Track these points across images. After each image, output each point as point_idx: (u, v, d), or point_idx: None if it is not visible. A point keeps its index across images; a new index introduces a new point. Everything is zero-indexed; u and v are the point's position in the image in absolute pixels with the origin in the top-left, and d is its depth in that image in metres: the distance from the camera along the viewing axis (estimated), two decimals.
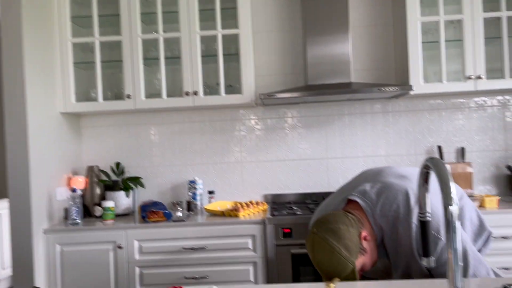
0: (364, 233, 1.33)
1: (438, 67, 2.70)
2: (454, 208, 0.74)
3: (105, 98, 2.78)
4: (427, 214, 0.90)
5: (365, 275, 1.55)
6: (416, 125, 2.87)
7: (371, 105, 2.89)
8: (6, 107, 2.32)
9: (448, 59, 2.77)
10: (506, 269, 2.29)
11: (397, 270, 1.38)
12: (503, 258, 2.30)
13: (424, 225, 0.92)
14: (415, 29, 2.54)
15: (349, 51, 2.64)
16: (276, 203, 2.85)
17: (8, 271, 4.34)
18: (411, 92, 2.53)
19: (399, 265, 1.36)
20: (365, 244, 1.32)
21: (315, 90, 2.50)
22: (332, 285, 0.72)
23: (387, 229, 1.36)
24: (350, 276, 1.25)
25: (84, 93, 2.86)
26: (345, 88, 2.48)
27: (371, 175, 1.52)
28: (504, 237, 2.29)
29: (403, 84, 2.68)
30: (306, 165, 2.91)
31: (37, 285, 2.34)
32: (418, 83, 2.54)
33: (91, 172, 2.72)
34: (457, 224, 0.75)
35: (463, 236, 1.31)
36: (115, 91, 2.88)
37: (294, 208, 2.57)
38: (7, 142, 2.32)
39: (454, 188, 0.75)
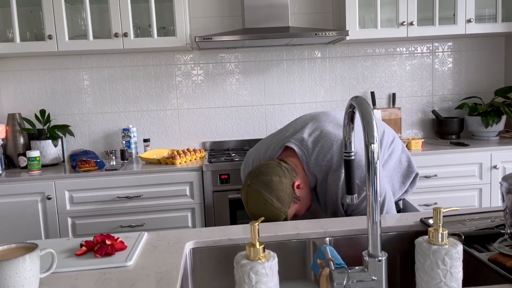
0: (297, 182, 1.35)
1: (373, 14, 2.72)
2: (375, 147, 0.75)
3: (23, 39, 2.52)
4: (351, 153, 0.91)
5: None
6: (352, 71, 2.92)
7: (309, 51, 2.88)
8: None
9: (383, 6, 2.79)
10: (427, 205, 2.49)
11: (325, 215, 1.44)
12: (425, 195, 2.49)
13: (348, 163, 0.94)
14: None
15: None
16: (215, 150, 2.83)
17: None
18: (347, 38, 2.54)
19: (326, 211, 1.42)
20: (298, 192, 1.35)
21: (253, 34, 2.44)
22: (256, 224, 0.72)
23: (319, 177, 1.40)
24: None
25: (0, 33, 2.58)
26: (283, 32, 2.44)
27: (310, 120, 1.52)
28: (427, 177, 2.46)
29: (340, 29, 2.68)
30: (245, 111, 2.89)
31: None
32: (354, 29, 2.55)
33: (13, 120, 2.51)
34: (378, 163, 0.77)
35: (382, 178, 1.38)
36: (34, 32, 2.62)
37: (232, 154, 2.57)
38: None
39: (375, 126, 0.75)
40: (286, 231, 1.16)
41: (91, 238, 1.16)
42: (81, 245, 1.07)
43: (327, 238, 1.15)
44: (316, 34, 2.41)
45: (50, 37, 2.39)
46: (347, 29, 2.55)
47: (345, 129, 0.88)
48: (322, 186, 1.40)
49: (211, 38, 2.41)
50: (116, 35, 2.43)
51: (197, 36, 2.47)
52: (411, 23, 2.56)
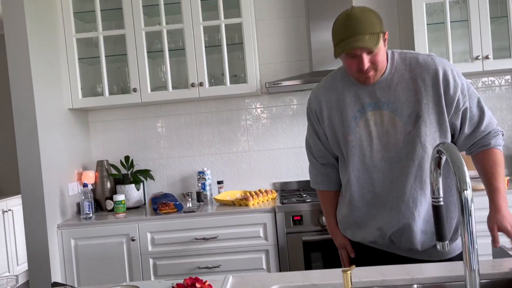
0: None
1: (444, 48, 2.67)
2: (468, 193, 0.74)
3: (111, 92, 2.79)
4: (440, 199, 0.90)
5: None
6: None
7: None
8: (14, 105, 2.34)
9: (455, 40, 2.73)
10: None
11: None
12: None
13: (436, 209, 0.93)
14: (420, 10, 2.51)
15: None
16: (285, 190, 2.86)
17: (23, 267, 4.41)
18: None
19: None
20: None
21: (320, 77, 2.49)
22: (348, 272, 0.73)
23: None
24: (371, 39, 1.27)
25: (91, 88, 2.87)
26: None
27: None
28: None
29: None
30: None
31: (54, 280, 2.38)
32: None
33: (101, 166, 2.74)
34: (472, 208, 0.75)
35: None
36: (121, 85, 2.88)
37: (304, 195, 2.58)
38: (17, 140, 2.34)
39: (467, 172, 0.75)
40: (371, 277, 1.14)
41: (177, 280, 1.22)
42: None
43: (415, 286, 1.12)
44: None
45: (134, 90, 2.62)
46: None
47: (432, 174, 0.88)
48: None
49: (281, 83, 2.50)
50: (192, 85, 2.61)
51: (267, 82, 2.58)
52: (487, 57, 2.48)
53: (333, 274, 1.18)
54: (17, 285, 1.08)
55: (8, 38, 2.33)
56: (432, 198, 0.91)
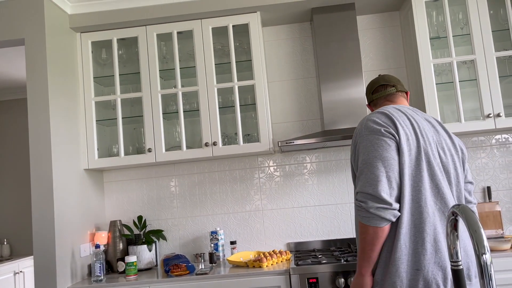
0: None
1: (454, 106, 2.70)
2: (487, 257, 0.72)
3: (127, 152, 2.84)
4: (459, 262, 0.87)
5: None
6: None
7: None
8: (32, 166, 2.39)
9: (465, 98, 2.77)
10: None
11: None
12: None
13: (456, 273, 0.89)
14: (428, 71, 2.57)
15: (364, 95, 2.67)
16: (300, 251, 2.79)
17: None
18: None
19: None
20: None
21: (332, 135, 2.52)
22: None
23: None
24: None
25: (107, 149, 2.94)
26: None
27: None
28: None
29: None
30: (329, 210, 2.87)
31: None
32: None
33: (114, 226, 2.73)
34: (492, 271, 0.73)
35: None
36: (136, 146, 2.95)
37: (319, 256, 2.51)
38: (33, 201, 2.37)
39: (484, 235, 0.73)
40: None
41: None
42: None
43: None
44: None
45: (149, 150, 2.67)
46: None
47: (449, 237, 0.86)
48: None
49: (293, 142, 2.53)
50: (206, 144, 2.65)
51: (279, 140, 2.61)
52: (498, 115, 2.49)
53: None
54: None
55: (30, 101, 2.43)
56: (451, 262, 0.88)
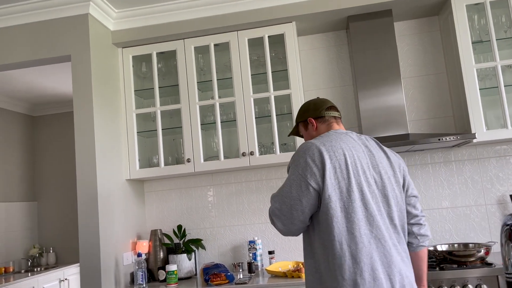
0: (312, 121, 1.74)
1: (499, 111, 2.60)
2: None
3: (166, 163, 2.91)
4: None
5: None
6: (483, 174, 2.72)
7: (431, 155, 2.80)
8: (78, 177, 2.49)
9: (510, 103, 2.66)
10: None
11: None
12: None
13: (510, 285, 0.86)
14: (471, 76, 2.49)
15: (403, 102, 2.62)
16: None
17: None
18: (474, 140, 2.43)
19: None
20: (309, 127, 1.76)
21: None
22: None
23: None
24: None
25: (147, 160, 3.02)
26: (402, 140, 2.44)
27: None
28: None
29: (465, 132, 2.59)
30: None
31: None
32: (481, 131, 2.45)
33: (155, 235, 2.79)
34: None
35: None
36: (175, 156, 3.01)
37: None
38: (79, 210, 2.46)
39: None
40: None
41: None
42: None
43: None
44: (439, 140, 2.36)
45: (188, 160, 2.72)
46: (472, 131, 2.46)
47: (503, 248, 0.82)
48: None
49: None
50: (243, 154, 2.67)
51: None
52: None
53: None
54: None
55: (76, 114, 2.55)
56: (506, 274, 0.84)
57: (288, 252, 2.88)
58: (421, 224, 1.62)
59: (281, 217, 1.51)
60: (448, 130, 2.79)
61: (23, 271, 4.31)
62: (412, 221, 1.61)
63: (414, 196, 1.62)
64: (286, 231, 1.53)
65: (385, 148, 1.63)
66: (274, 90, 2.76)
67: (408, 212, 1.60)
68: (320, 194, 1.46)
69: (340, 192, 1.45)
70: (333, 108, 1.74)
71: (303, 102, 2.73)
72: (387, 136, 2.59)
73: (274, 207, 1.53)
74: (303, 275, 2.38)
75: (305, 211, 1.48)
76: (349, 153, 1.51)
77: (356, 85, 2.70)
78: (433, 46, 2.87)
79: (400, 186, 1.57)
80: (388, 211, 1.50)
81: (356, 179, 1.47)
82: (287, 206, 1.49)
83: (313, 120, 1.72)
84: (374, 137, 2.61)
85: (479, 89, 2.52)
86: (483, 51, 2.72)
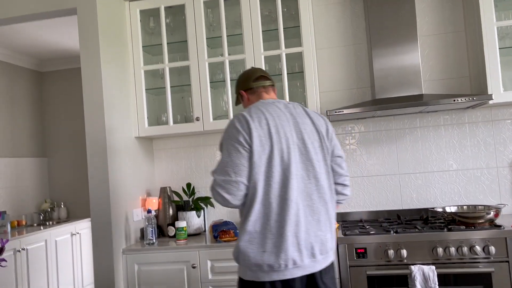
0: (244, 93, 1.90)
1: None
2: None
3: (175, 121, 2.89)
4: None
5: None
6: (497, 136, 2.68)
7: (444, 117, 2.74)
8: (87, 133, 2.48)
9: None
10: None
11: None
12: None
13: None
14: (491, 34, 2.39)
15: (419, 61, 2.54)
16: (347, 221, 2.77)
17: None
18: (490, 102, 2.37)
19: None
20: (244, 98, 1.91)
21: (384, 104, 2.43)
22: None
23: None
24: None
25: (156, 118, 2.99)
26: (416, 101, 2.38)
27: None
28: None
29: (481, 93, 2.52)
30: (377, 181, 2.81)
31: None
32: (497, 91, 2.38)
33: (164, 193, 2.82)
34: None
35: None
36: (184, 115, 2.98)
37: (367, 227, 2.48)
38: (89, 166, 2.47)
39: None
40: None
41: None
42: None
43: None
44: (454, 100, 2.30)
45: (197, 118, 2.70)
46: (489, 92, 2.39)
47: None
48: None
49: (342, 111, 2.46)
50: None
51: (328, 110, 2.55)
52: None
53: None
54: None
55: (84, 70, 2.50)
56: None
57: None
58: (344, 185, 1.80)
59: (226, 186, 1.60)
60: (463, 91, 2.72)
61: (35, 224, 4.42)
62: (339, 180, 1.78)
63: (339, 156, 1.79)
64: (232, 199, 1.62)
65: (311, 113, 1.77)
66: (285, 47, 2.68)
67: (334, 171, 1.77)
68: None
69: (263, 159, 1.60)
70: (262, 77, 1.85)
71: (315, 61, 2.66)
72: (400, 97, 2.53)
73: (217, 180, 1.62)
74: None
75: (247, 174, 1.60)
76: (272, 122, 1.65)
77: (370, 43, 2.61)
78: (452, 2, 2.75)
79: (326, 149, 1.72)
80: (313, 173, 1.66)
81: (278, 146, 1.62)
82: (230, 175, 1.60)
83: (243, 93, 1.86)
84: (387, 98, 2.55)
85: (499, 48, 2.43)
86: (504, 9, 2.60)
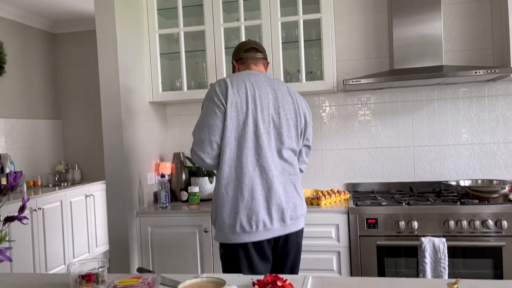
0: (235, 63, 2.01)
1: None
2: None
3: (189, 87, 2.87)
4: None
5: None
6: None
7: (463, 89, 2.68)
8: (102, 96, 2.48)
9: None
10: None
11: None
12: None
13: None
14: None
15: (441, 31, 2.46)
16: (358, 192, 2.78)
17: (101, 248, 4.72)
18: None
19: None
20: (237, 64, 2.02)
21: (403, 75, 2.38)
22: (455, 286, 0.67)
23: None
24: None
25: (170, 83, 2.98)
26: (437, 72, 2.33)
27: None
28: None
29: (503, 65, 2.45)
30: (391, 153, 2.79)
31: (133, 264, 2.51)
32: None
33: (177, 158, 2.84)
34: None
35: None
36: (198, 80, 2.96)
37: (379, 198, 2.48)
38: (103, 129, 2.49)
39: None
40: None
41: (257, 276, 1.22)
42: (253, 284, 1.13)
43: None
44: (476, 73, 2.25)
45: (211, 85, 2.67)
46: None
47: None
48: None
49: (360, 81, 2.42)
50: None
51: (345, 79, 2.51)
52: None
53: (426, 284, 1.11)
54: (105, 267, 1.14)
55: (99, 33, 2.48)
56: None
57: (308, 181, 2.91)
58: (301, 170, 1.99)
59: (202, 145, 1.73)
60: (485, 63, 2.64)
61: (50, 185, 4.52)
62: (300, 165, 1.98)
63: (306, 146, 1.98)
64: (206, 157, 1.74)
65: (295, 95, 1.87)
66: (303, 13, 2.61)
67: (299, 154, 1.95)
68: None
69: (237, 124, 1.71)
70: (252, 49, 1.93)
71: (333, 28, 2.59)
72: (419, 68, 2.47)
73: (195, 138, 1.77)
74: (323, 203, 2.42)
75: (220, 134, 1.71)
76: (251, 92, 1.74)
77: (391, 11, 2.53)
78: None
79: (299, 130, 1.85)
80: (280, 147, 1.78)
81: (253, 115, 1.72)
82: (205, 133, 1.72)
83: (234, 62, 1.97)
84: (406, 68, 2.50)
85: None
86: None
